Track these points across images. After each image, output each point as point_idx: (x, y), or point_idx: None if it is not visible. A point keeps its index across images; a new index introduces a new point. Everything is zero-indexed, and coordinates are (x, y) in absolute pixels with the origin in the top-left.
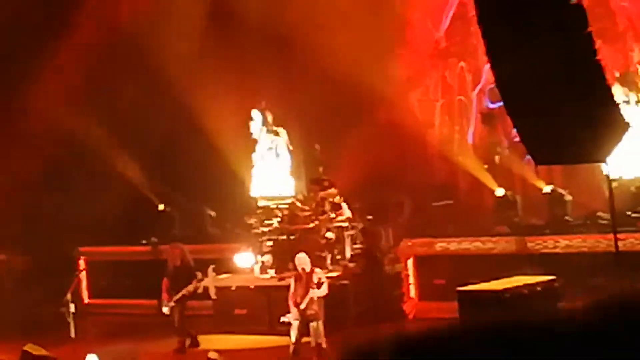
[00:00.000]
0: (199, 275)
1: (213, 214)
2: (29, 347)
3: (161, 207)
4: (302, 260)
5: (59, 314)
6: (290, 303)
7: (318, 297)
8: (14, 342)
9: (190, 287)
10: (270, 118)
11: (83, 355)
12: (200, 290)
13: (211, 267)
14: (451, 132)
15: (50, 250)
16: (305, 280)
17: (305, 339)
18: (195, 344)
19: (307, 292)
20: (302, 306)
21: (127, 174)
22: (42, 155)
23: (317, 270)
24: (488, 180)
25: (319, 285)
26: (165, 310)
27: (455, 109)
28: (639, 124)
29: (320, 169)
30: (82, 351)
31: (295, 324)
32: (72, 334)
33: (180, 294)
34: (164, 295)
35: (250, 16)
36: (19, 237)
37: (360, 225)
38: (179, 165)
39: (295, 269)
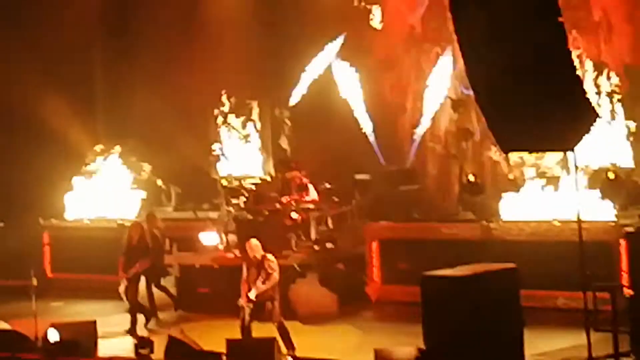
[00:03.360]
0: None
1: (179, 190)
2: None
3: None
4: (254, 247)
5: (21, 288)
6: (243, 288)
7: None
8: None
9: (142, 266)
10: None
11: (44, 329)
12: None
13: (175, 245)
14: (423, 117)
15: (12, 224)
16: (257, 267)
17: None
18: (157, 320)
19: (258, 278)
20: (252, 296)
21: None
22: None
23: (269, 256)
24: (456, 166)
25: (268, 276)
26: (121, 289)
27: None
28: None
29: (288, 150)
30: (44, 325)
31: (247, 308)
32: (34, 308)
33: (131, 273)
34: (120, 273)
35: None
36: None
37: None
38: (146, 141)
39: (247, 254)
